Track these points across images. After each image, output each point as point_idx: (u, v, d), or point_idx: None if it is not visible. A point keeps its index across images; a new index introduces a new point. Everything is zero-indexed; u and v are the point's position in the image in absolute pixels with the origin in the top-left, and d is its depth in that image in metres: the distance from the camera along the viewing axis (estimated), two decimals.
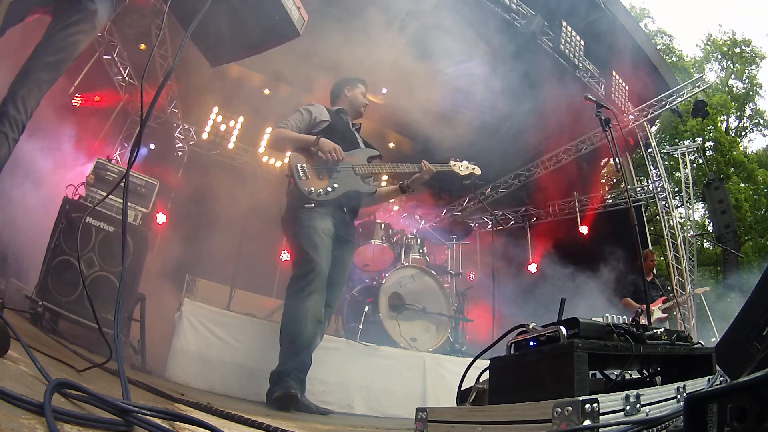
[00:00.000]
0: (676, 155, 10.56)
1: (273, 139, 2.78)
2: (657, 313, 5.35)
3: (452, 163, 3.11)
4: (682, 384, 1.15)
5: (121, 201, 2.83)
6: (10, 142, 1.37)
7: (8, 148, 1.37)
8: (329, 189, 2.62)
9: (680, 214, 10.46)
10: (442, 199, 9.49)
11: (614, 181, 15.30)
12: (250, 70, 7.25)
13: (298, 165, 2.63)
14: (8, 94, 1.38)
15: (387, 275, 3.72)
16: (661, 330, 1.34)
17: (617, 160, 3.23)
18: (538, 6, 6.64)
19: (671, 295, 5.82)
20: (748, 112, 19.13)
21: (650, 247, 7.73)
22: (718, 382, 1.24)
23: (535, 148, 8.68)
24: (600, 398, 0.91)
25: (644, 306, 4.88)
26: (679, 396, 1.12)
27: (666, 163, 10.80)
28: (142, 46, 6.92)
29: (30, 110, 1.41)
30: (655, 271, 5.84)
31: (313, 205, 2.56)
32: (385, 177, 6.94)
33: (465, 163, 3.14)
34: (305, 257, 2.44)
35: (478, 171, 3.16)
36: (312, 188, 2.58)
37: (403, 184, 2.94)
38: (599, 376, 1.35)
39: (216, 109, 8.36)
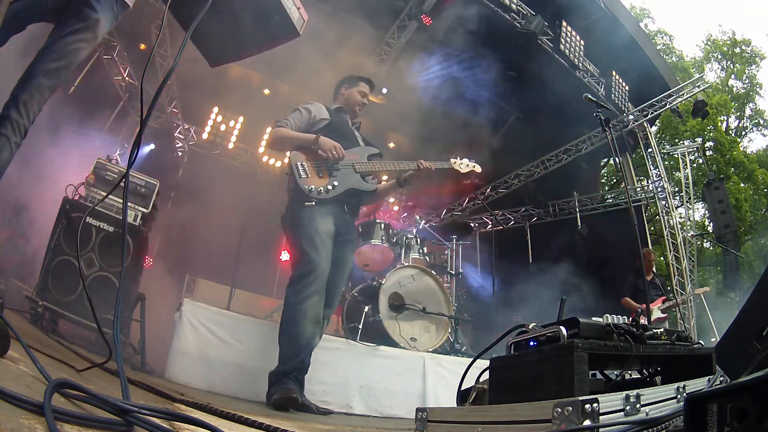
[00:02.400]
0: (676, 155, 10.56)
1: (272, 139, 2.76)
2: (656, 313, 5.34)
3: (452, 161, 3.08)
4: (682, 384, 1.16)
5: (121, 201, 2.84)
6: (12, 146, 1.37)
7: (10, 151, 1.37)
8: (329, 187, 2.60)
9: (680, 214, 10.46)
10: (442, 199, 9.49)
11: (614, 181, 15.31)
12: (250, 70, 7.27)
13: (298, 163, 2.62)
14: (10, 99, 1.38)
15: (387, 275, 3.72)
16: (661, 330, 1.34)
17: (617, 160, 3.24)
18: (538, 6, 6.64)
19: (671, 295, 5.80)
20: (748, 112, 19.12)
21: (650, 247, 7.72)
22: (718, 382, 1.24)
23: (535, 147, 8.69)
24: (600, 398, 0.91)
25: (644, 306, 4.88)
26: (679, 396, 1.12)
27: (666, 163, 10.80)
28: (142, 46, 6.94)
29: (32, 115, 1.41)
30: (654, 270, 5.83)
31: (314, 203, 2.54)
32: (385, 177, 6.92)
33: (465, 160, 3.12)
34: (306, 258, 2.42)
35: (478, 168, 3.14)
36: (312, 186, 2.57)
37: (399, 178, 2.91)
38: (599, 376, 1.35)
39: (216, 109, 8.37)
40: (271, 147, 2.86)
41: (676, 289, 7.40)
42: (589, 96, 3.52)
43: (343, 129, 2.87)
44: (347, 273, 2.82)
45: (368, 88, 3.06)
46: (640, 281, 5.47)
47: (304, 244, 2.46)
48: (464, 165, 3.10)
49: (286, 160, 2.72)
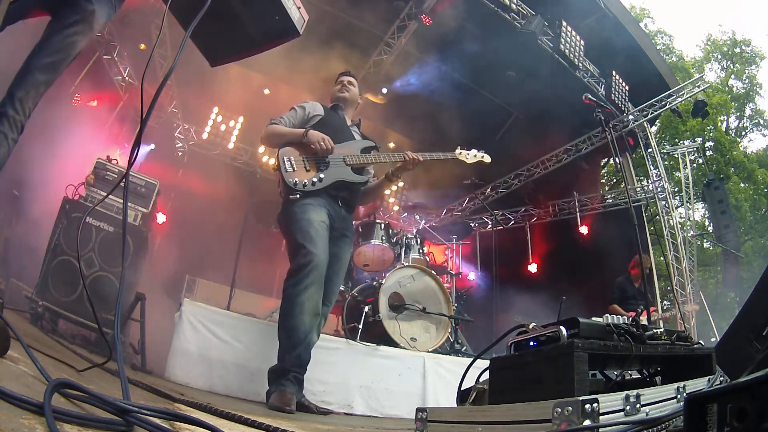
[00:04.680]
0: (676, 155, 10.57)
1: (265, 136, 2.74)
2: None
3: (458, 151, 2.96)
4: (682, 384, 1.16)
5: (121, 201, 2.84)
6: (9, 143, 1.37)
7: (7, 148, 1.37)
8: (314, 180, 2.56)
9: (680, 214, 10.46)
10: (442, 199, 9.49)
11: (614, 181, 15.30)
12: (250, 70, 7.26)
13: (285, 157, 2.59)
14: (6, 95, 1.38)
15: (387, 275, 3.72)
16: (661, 330, 1.34)
17: (617, 160, 3.24)
18: (538, 6, 6.64)
19: (665, 303, 5.74)
20: (748, 112, 19.13)
21: (650, 248, 7.71)
22: (718, 382, 1.25)
23: (535, 147, 8.69)
24: (600, 398, 0.91)
25: (631, 314, 4.84)
26: (679, 396, 1.12)
27: (666, 163, 10.79)
28: (142, 46, 6.92)
29: (28, 111, 1.41)
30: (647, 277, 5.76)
31: (298, 196, 2.51)
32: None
33: (473, 151, 2.97)
34: (301, 250, 2.37)
35: (487, 159, 2.99)
36: (297, 179, 2.54)
37: (388, 172, 2.85)
38: (599, 376, 1.35)
39: (216, 109, 8.36)
40: (264, 144, 2.84)
41: (676, 289, 7.40)
42: (589, 96, 3.51)
43: (337, 124, 2.83)
44: (344, 270, 2.77)
45: (344, 76, 3.03)
46: (627, 285, 5.40)
47: (299, 237, 2.41)
48: (471, 156, 2.96)
49: (272, 161, 2.69)
